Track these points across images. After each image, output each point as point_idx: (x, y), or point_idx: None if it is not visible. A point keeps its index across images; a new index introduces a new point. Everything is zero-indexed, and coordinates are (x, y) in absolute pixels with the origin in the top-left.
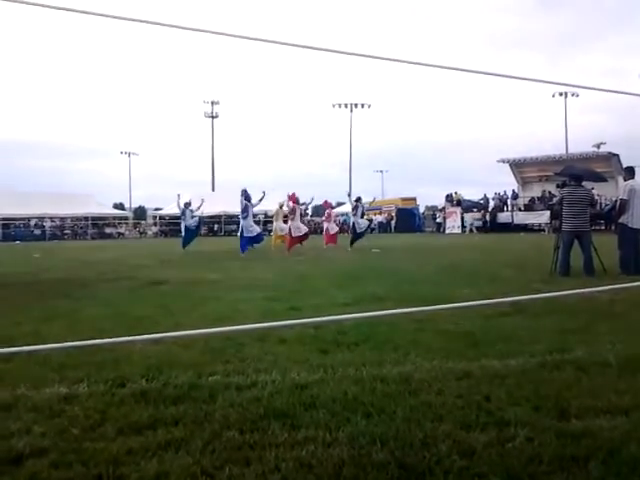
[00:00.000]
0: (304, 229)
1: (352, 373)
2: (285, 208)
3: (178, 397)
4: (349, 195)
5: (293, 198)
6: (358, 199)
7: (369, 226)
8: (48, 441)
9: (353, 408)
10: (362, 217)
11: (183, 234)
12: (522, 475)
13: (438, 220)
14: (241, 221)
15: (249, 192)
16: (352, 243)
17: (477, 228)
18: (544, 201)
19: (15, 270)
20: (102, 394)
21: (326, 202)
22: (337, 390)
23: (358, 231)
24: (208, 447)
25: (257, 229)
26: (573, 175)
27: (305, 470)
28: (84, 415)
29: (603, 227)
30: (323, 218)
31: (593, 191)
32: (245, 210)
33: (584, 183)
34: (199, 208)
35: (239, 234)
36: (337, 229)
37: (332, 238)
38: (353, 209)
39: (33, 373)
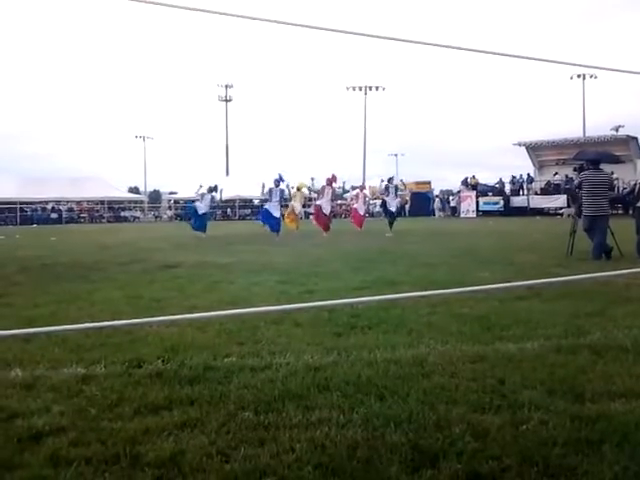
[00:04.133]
0: (328, 210)
1: (366, 356)
2: (305, 190)
3: (194, 378)
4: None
5: (329, 179)
6: (390, 180)
7: (402, 206)
8: (67, 420)
9: (367, 390)
10: (396, 197)
11: (196, 217)
12: (536, 457)
13: (453, 204)
14: (267, 204)
15: (283, 177)
16: (391, 226)
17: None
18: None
19: (33, 253)
20: (119, 375)
21: (329, 178)
22: (351, 372)
23: (391, 210)
24: (223, 427)
25: (278, 213)
26: (590, 159)
27: (319, 451)
28: (101, 395)
29: (622, 211)
30: (352, 198)
31: (613, 175)
32: (270, 194)
33: (602, 166)
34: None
35: (261, 217)
36: (364, 213)
37: (359, 220)
38: (385, 190)
39: (52, 354)
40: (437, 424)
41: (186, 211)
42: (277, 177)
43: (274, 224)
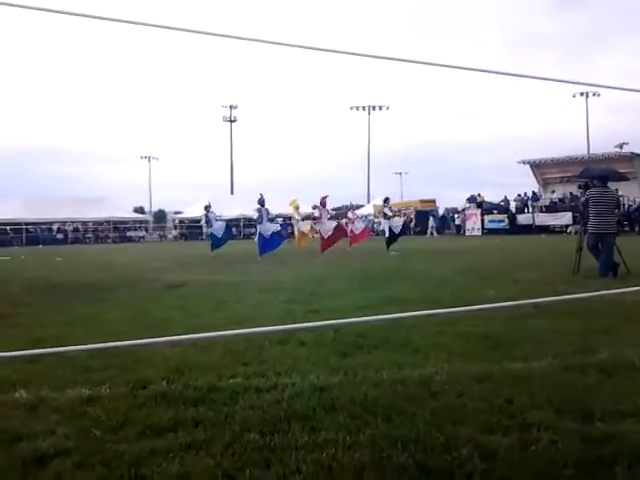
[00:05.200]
0: (333, 226)
1: (372, 376)
2: (301, 211)
3: (199, 399)
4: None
5: (322, 202)
6: (386, 200)
7: (404, 226)
8: (71, 442)
9: (373, 411)
10: (394, 217)
11: (211, 239)
12: (546, 478)
13: (458, 222)
14: (258, 227)
15: (263, 197)
16: (388, 246)
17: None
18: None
19: (39, 274)
20: (124, 396)
21: (323, 200)
22: (357, 393)
23: (395, 232)
24: (229, 449)
25: (274, 228)
26: (598, 176)
27: (326, 473)
28: (106, 417)
29: (628, 228)
30: (346, 220)
31: (618, 192)
32: (260, 216)
33: (609, 184)
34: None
35: (256, 239)
36: (362, 227)
37: (357, 238)
38: (384, 214)
39: (57, 375)
40: (445, 445)
41: (213, 241)
42: (260, 197)
43: (272, 244)
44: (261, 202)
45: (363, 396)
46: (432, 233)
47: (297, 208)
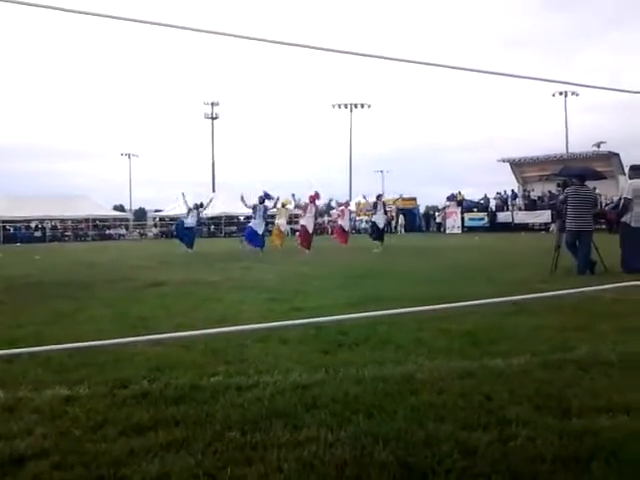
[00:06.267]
0: (304, 230)
1: (353, 373)
2: (290, 206)
3: (179, 398)
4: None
5: (312, 197)
6: (378, 196)
7: (389, 223)
8: (50, 442)
9: (355, 408)
10: (385, 214)
11: (184, 233)
12: (524, 474)
13: (438, 220)
14: (251, 221)
15: (264, 197)
16: (376, 240)
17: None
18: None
19: (16, 272)
20: (103, 395)
21: (312, 196)
22: (338, 390)
23: (380, 228)
24: (210, 448)
25: (262, 230)
26: (577, 175)
27: (307, 470)
28: (85, 416)
29: (604, 226)
30: (337, 214)
31: (596, 191)
32: (255, 212)
33: (586, 182)
34: (205, 208)
35: (245, 235)
36: (349, 228)
37: (344, 237)
38: (373, 207)
39: (34, 375)
40: (426, 442)
41: (175, 227)
42: (262, 194)
43: (258, 241)
44: (262, 199)
45: (344, 394)
46: (401, 231)
47: (284, 205)
